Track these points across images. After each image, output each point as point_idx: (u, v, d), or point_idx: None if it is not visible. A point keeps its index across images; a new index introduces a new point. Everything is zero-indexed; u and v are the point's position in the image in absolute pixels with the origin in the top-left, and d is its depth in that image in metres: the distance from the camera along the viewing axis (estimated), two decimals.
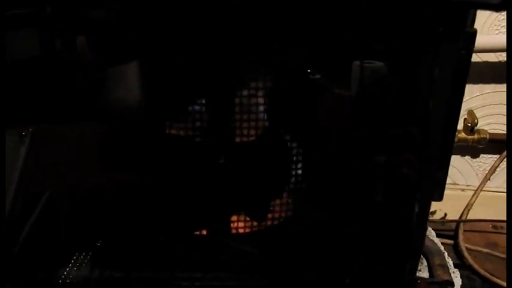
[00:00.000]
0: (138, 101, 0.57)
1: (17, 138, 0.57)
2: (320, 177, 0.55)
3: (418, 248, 0.47)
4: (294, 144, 0.61)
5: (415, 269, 0.49)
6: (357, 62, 0.49)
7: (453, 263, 0.72)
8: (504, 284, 0.90)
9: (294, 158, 0.61)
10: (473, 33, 0.44)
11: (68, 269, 0.51)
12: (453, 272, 0.79)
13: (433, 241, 0.78)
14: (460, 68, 0.41)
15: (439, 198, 0.53)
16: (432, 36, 0.39)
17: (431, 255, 0.72)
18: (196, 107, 0.59)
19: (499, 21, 0.92)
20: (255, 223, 0.63)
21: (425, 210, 0.44)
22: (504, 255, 0.97)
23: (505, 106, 0.98)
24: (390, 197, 0.47)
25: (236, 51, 0.53)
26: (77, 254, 0.56)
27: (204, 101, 0.58)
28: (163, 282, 0.49)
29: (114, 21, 0.50)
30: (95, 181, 0.60)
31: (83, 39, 0.51)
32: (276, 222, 0.60)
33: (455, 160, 1.06)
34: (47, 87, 0.53)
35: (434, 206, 1.09)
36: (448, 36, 0.39)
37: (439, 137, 0.44)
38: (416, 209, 0.43)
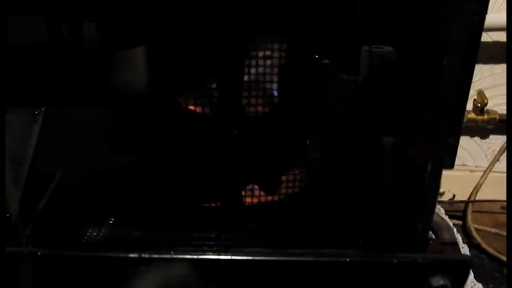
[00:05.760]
0: (150, 76, 0.58)
1: (30, 117, 0.59)
2: (334, 143, 0.56)
3: (430, 208, 0.48)
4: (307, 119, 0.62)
5: (427, 229, 0.50)
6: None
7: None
8: None
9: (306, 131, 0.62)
10: None
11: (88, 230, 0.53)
12: (462, 247, 0.80)
13: (442, 217, 0.79)
14: (474, 31, 0.42)
15: (451, 165, 0.53)
16: None
17: (440, 230, 0.73)
18: (208, 80, 0.60)
19: None
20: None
21: (438, 170, 0.45)
22: None
23: None
24: (403, 157, 0.48)
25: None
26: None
27: (215, 74, 0.59)
28: (180, 241, 0.50)
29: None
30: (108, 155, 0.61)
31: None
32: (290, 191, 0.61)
33: (464, 141, 1.06)
34: (58, 66, 0.54)
35: (443, 187, 1.09)
36: None
37: (452, 100, 0.44)
38: (429, 168, 0.44)
